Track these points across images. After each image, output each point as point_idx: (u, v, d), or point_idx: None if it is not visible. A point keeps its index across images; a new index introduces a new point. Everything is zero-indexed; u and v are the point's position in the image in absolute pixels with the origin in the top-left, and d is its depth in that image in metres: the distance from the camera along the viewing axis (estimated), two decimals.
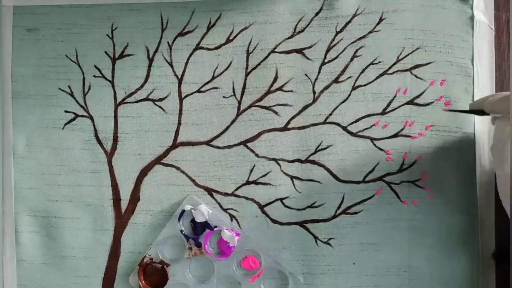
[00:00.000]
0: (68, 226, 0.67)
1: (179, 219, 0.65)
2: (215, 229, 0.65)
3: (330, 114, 0.65)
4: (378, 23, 0.65)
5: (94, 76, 0.66)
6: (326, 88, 0.65)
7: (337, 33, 0.65)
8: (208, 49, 0.66)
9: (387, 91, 0.65)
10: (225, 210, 0.65)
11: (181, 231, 0.65)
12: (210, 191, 0.66)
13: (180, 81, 0.66)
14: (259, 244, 0.65)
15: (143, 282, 0.65)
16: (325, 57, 0.65)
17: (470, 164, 0.64)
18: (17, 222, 0.67)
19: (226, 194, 0.66)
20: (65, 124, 0.67)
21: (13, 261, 0.67)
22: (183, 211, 0.65)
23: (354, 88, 0.65)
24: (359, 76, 0.65)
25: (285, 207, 0.65)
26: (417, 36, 0.65)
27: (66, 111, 0.67)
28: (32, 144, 0.67)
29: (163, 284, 0.65)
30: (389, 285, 0.65)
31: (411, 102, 0.65)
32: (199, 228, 0.65)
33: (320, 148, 0.65)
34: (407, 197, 0.65)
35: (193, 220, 0.65)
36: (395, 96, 0.65)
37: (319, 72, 0.65)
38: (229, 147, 0.66)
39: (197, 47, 0.66)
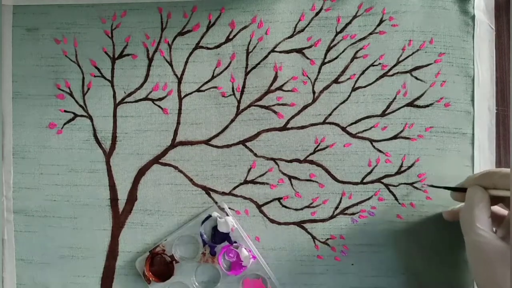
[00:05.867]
0: (66, 225, 0.67)
1: (202, 223, 0.65)
2: (234, 244, 0.65)
3: (330, 115, 0.65)
4: (378, 24, 0.65)
5: (94, 75, 0.66)
6: (326, 88, 0.65)
7: (337, 33, 0.65)
8: (208, 48, 0.66)
9: (387, 92, 0.65)
10: (222, 209, 0.65)
11: (201, 235, 0.65)
12: (207, 190, 0.66)
13: (179, 81, 0.66)
14: (270, 273, 0.65)
15: (148, 269, 0.65)
16: (325, 57, 0.65)
17: (469, 165, 0.64)
18: (16, 221, 0.67)
19: (223, 194, 0.66)
20: (64, 124, 0.67)
21: (12, 260, 0.67)
22: (210, 216, 0.65)
23: (354, 89, 0.65)
24: (359, 77, 0.65)
25: (283, 207, 0.65)
26: (417, 37, 0.64)
27: (65, 111, 0.67)
28: (31, 144, 0.67)
29: (166, 278, 0.65)
30: (388, 286, 0.65)
31: (411, 104, 0.65)
32: (218, 237, 0.65)
33: (319, 148, 0.65)
34: (405, 198, 0.65)
35: (215, 228, 0.65)
36: (395, 98, 0.65)
37: (319, 72, 0.65)
38: (228, 146, 0.65)
39: (197, 46, 0.66)
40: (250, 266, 0.64)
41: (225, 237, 0.65)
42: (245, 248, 0.64)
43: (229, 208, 0.65)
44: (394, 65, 0.65)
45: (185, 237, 0.66)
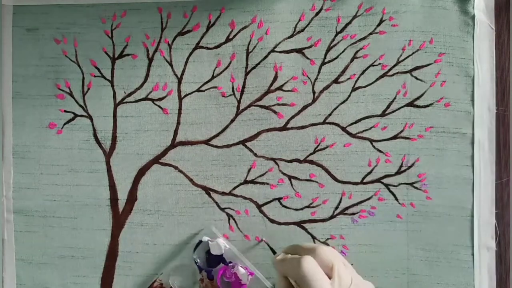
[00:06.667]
0: (66, 225, 0.67)
1: (194, 249, 0.65)
2: (229, 264, 0.64)
3: (330, 115, 0.65)
4: (378, 24, 0.65)
5: (94, 75, 0.66)
6: (326, 88, 0.65)
7: (337, 33, 0.65)
8: (208, 48, 0.65)
9: (387, 92, 0.65)
10: (222, 209, 0.65)
11: (196, 262, 0.64)
12: (207, 190, 0.66)
13: (179, 81, 0.66)
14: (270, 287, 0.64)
15: None
16: (325, 57, 0.65)
17: (469, 165, 0.64)
18: (16, 221, 0.67)
19: (223, 194, 0.66)
20: (64, 124, 0.67)
21: (12, 260, 0.67)
22: (200, 241, 0.65)
23: (354, 89, 0.65)
24: (359, 77, 0.65)
25: (283, 207, 0.65)
26: (417, 37, 0.64)
27: (65, 111, 0.67)
28: (31, 144, 0.67)
29: None
30: (388, 286, 0.65)
31: (411, 104, 0.64)
32: (213, 261, 0.64)
33: (319, 148, 0.65)
34: (405, 199, 0.65)
35: (208, 252, 0.65)
36: (395, 98, 0.65)
37: (319, 72, 0.65)
38: (228, 146, 0.65)
39: (197, 46, 0.66)
40: (249, 283, 0.64)
41: (220, 259, 0.64)
42: (241, 266, 0.64)
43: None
44: (394, 65, 0.65)
45: (179, 266, 0.65)
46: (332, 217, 0.65)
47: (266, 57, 0.65)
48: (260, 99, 0.65)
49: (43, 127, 0.67)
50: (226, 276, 0.64)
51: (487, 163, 0.64)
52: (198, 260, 0.64)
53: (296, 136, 0.65)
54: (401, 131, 0.65)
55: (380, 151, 0.65)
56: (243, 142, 0.65)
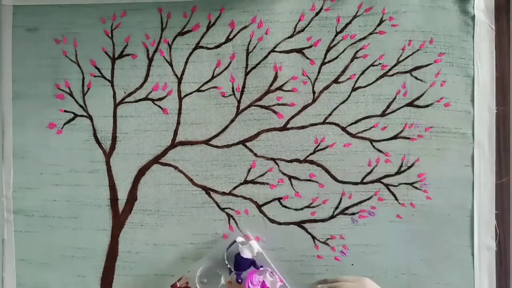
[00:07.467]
0: (66, 225, 0.67)
1: (227, 249, 0.64)
2: (260, 268, 0.63)
3: (330, 115, 0.65)
4: (378, 24, 0.65)
5: (94, 75, 0.66)
6: (326, 88, 0.65)
7: (337, 33, 0.65)
8: (208, 48, 0.65)
9: (387, 92, 0.65)
10: (222, 209, 0.65)
11: (226, 263, 0.64)
12: (207, 190, 0.65)
13: (179, 81, 0.66)
14: None
15: None
16: (325, 57, 0.65)
17: (469, 166, 0.64)
18: (16, 221, 0.67)
19: (223, 194, 0.65)
20: (64, 124, 0.67)
21: (12, 260, 0.67)
22: (234, 241, 0.64)
23: (354, 89, 0.65)
24: (359, 77, 0.65)
25: (283, 207, 0.65)
26: (417, 37, 0.64)
27: (65, 111, 0.67)
28: (31, 144, 0.67)
29: None
30: (388, 286, 0.64)
31: (411, 104, 0.64)
32: (242, 264, 0.63)
33: (319, 148, 0.65)
34: (405, 198, 0.64)
35: (237, 255, 0.64)
36: (395, 98, 0.65)
37: (319, 72, 0.65)
38: (228, 146, 0.65)
39: (197, 46, 0.66)
40: None
41: (251, 262, 0.63)
42: (272, 272, 0.63)
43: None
44: (394, 65, 0.65)
45: (207, 268, 0.65)
46: (332, 217, 0.65)
47: (266, 57, 0.65)
48: (260, 99, 0.65)
49: (43, 127, 0.67)
50: (253, 283, 0.63)
51: (487, 163, 0.64)
52: (227, 262, 0.64)
53: (296, 136, 0.65)
54: (401, 131, 0.64)
55: (380, 151, 0.65)
56: (243, 142, 0.65)
